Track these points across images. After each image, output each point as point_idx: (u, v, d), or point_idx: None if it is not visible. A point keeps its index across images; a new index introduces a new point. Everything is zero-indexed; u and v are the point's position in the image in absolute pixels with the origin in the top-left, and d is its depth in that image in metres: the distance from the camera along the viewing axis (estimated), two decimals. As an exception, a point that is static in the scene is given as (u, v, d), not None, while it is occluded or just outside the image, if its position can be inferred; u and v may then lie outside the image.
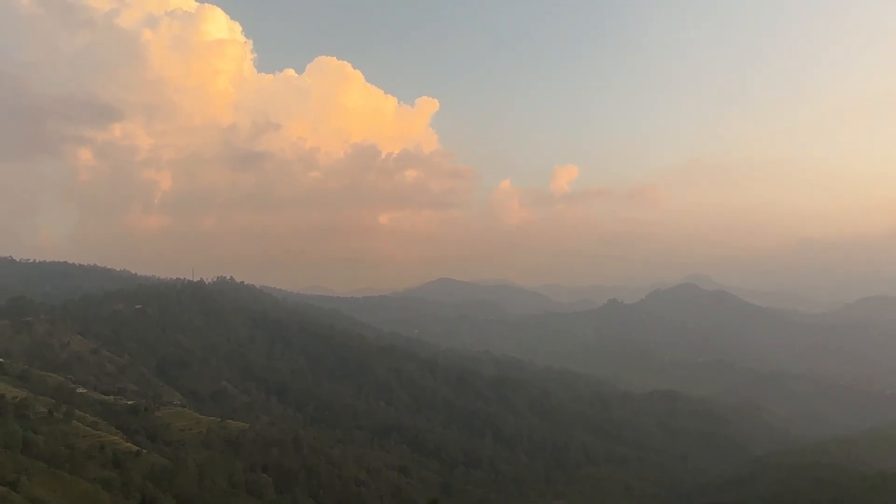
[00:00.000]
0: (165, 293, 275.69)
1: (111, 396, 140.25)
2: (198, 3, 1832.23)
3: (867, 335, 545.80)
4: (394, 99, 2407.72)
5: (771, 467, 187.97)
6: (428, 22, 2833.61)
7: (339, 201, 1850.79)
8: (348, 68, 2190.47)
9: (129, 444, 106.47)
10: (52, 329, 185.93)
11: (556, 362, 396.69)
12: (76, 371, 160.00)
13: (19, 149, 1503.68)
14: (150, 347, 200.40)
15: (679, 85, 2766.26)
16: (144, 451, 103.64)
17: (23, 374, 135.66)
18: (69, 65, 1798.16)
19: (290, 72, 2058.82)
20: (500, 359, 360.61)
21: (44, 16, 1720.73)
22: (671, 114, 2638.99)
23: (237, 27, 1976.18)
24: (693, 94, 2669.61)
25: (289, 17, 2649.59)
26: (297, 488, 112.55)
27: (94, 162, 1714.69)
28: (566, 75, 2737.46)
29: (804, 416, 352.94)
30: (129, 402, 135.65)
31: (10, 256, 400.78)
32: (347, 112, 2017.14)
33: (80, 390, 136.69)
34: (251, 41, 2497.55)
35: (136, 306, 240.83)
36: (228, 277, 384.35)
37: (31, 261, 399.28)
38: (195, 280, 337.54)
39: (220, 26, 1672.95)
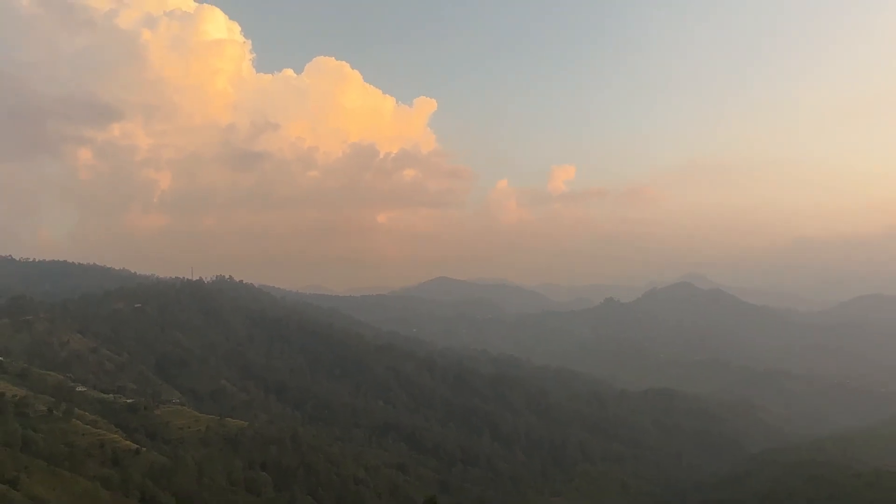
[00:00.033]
0: (164, 292, 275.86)
1: (110, 395, 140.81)
2: (197, 4, 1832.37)
3: (862, 334, 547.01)
4: (392, 99, 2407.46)
5: (766, 465, 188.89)
6: (426, 22, 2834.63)
7: (337, 201, 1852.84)
8: (347, 68, 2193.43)
9: (128, 442, 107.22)
10: (52, 328, 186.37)
11: (553, 361, 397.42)
12: (76, 369, 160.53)
13: (19, 148, 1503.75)
14: (149, 346, 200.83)
15: (676, 85, 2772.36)
16: (144, 449, 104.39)
17: (22, 372, 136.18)
18: (69, 65, 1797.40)
19: (289, 72, 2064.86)
20: (497, 357, 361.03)
21: (43, 16, 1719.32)
22: (668, 114, 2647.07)
23: (236, 27, 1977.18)
24: (690, 94, 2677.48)
25: (287, 17, 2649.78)
26: (296, 486, 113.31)
27: (93, 161, 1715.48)
28: (563, 75, 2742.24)
29: (799, 415, 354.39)
30: (128, 401, 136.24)
31: (10, 255, 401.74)
32: (346, 112, 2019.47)
33: (79, 389, 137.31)
34: (250, 41, 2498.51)
35: (136, 305, 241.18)
36: (227, 276, 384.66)
37: (31, 260, 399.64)
38: (194, 279, 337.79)
39: (219, 26, 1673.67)
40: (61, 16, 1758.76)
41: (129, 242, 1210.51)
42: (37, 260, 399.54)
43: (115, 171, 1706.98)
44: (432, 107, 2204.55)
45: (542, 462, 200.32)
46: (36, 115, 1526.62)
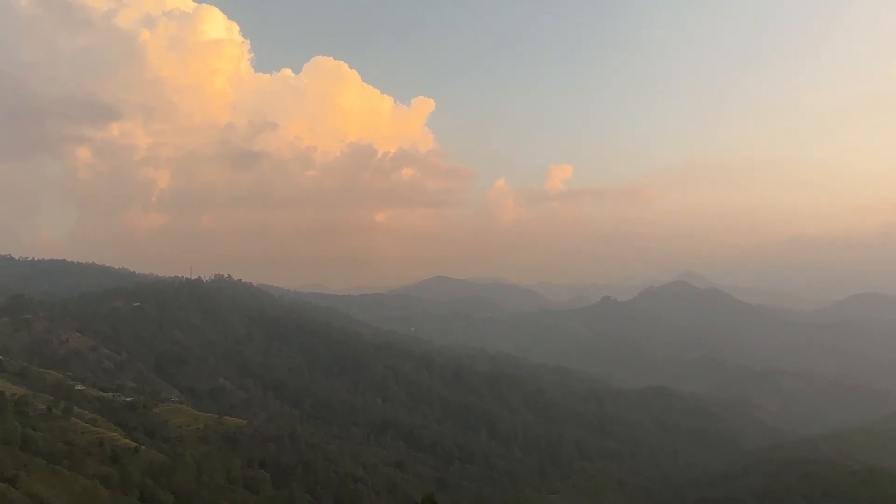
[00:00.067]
0: (163, 291, 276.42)
1: (110, 393, 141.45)
2: (195, 3, 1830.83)
3: (858, 332, 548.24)
4: (390, 99, 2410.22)
5: (761, 462, 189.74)
6: (424, 23, 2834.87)
7: (335, 200, 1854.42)
8: (345, 68, 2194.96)
9: (127, 440, 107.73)
10: (51, 326, 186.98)
11: (550, 359, 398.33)
12: (75, 368, 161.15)
13: (18, 148, 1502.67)
14: (148, 344, 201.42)
15: (673, 85, 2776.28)
16: (143, 447, 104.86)
17: (22, 371, 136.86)
18: (68, 65, 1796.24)
19: (287, 71, 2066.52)
20: (495, 356, 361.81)
21: (43, 16, 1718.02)
22: (665, 114, 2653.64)
23: (234, 27, 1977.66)
24: (688, 94, 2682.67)
25: (286, 17, 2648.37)
26: (294, 484, 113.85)
27: (92, 161, 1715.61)
28: (561, 75, 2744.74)
29: (795, 413, 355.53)
30: (127, 399, 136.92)
31: (10, 255, 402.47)
32: (344, 112, 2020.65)
33: (78, 387, 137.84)
34: (248, 41, 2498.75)
35: (135, 304, 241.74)
36: (226, 275, 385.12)
37: (31, 259, 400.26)
38: (193, 278, 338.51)
39: (218, 26, 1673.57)
40: (60, 16, 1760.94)
41: (128, 241, 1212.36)
42: (36, 259, 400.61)
43: (114, 171, 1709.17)
44: (430, 106, 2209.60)
45: (540, 460, 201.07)
46: (35, 114, 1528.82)
